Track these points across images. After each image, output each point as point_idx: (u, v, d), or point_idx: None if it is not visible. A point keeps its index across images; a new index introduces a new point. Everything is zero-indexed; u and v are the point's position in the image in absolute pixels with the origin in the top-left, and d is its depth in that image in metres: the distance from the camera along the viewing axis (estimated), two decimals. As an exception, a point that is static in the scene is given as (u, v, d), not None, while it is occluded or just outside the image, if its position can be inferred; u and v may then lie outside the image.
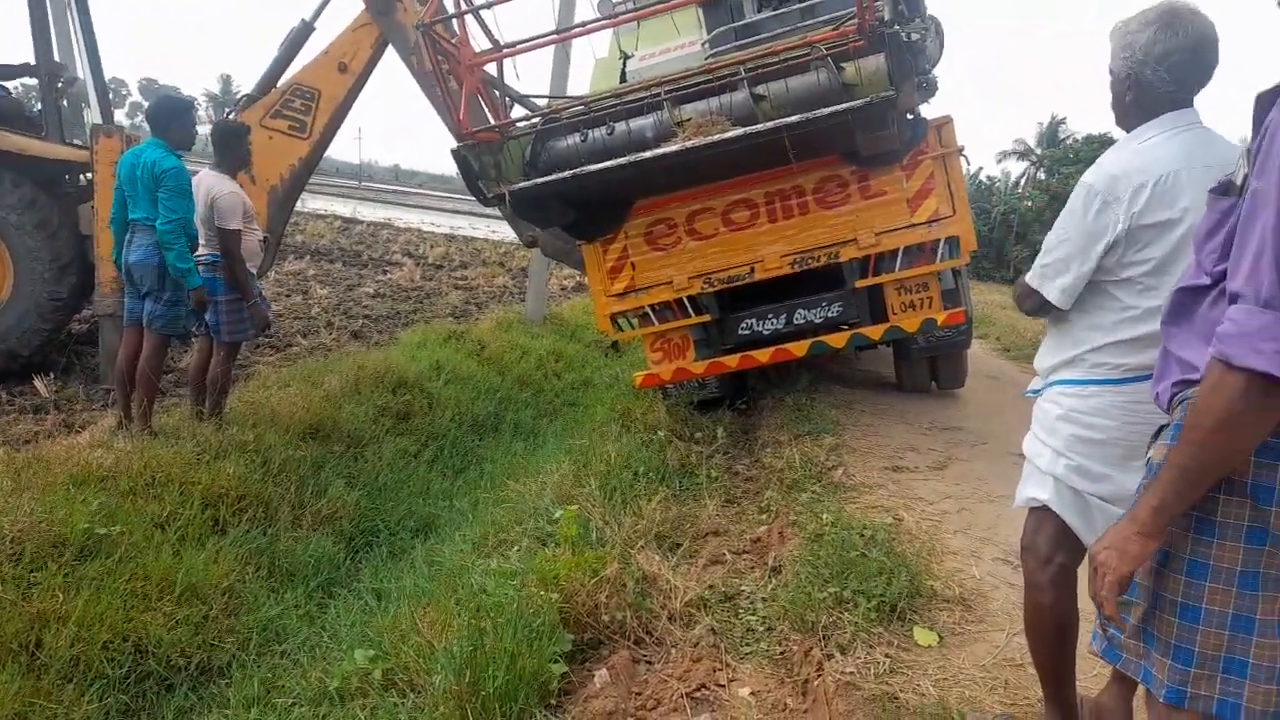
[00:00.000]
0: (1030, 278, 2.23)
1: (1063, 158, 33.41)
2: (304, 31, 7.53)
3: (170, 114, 5.06)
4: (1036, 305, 2.23)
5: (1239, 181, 1.40)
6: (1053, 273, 2.13)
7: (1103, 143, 28.62)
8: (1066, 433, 2.16)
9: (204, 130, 9.33)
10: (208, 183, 5.11)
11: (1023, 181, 37.40)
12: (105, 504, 4.02)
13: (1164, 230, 1.97)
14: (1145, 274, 2.01)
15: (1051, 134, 37.38)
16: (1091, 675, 2.61)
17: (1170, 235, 1.96)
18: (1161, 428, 1.61)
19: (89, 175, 7.33)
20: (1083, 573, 2.20)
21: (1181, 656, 1.47)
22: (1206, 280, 1.47)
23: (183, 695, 3.37)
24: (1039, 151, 37.17)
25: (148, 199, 4.83)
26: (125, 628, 3.38)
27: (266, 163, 7.15)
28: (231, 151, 5.35)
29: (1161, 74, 1.96)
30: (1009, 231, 31.10)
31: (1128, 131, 2.09)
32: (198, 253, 5.17)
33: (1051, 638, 2.22)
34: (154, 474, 4.41)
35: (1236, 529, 1.43)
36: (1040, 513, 2.25)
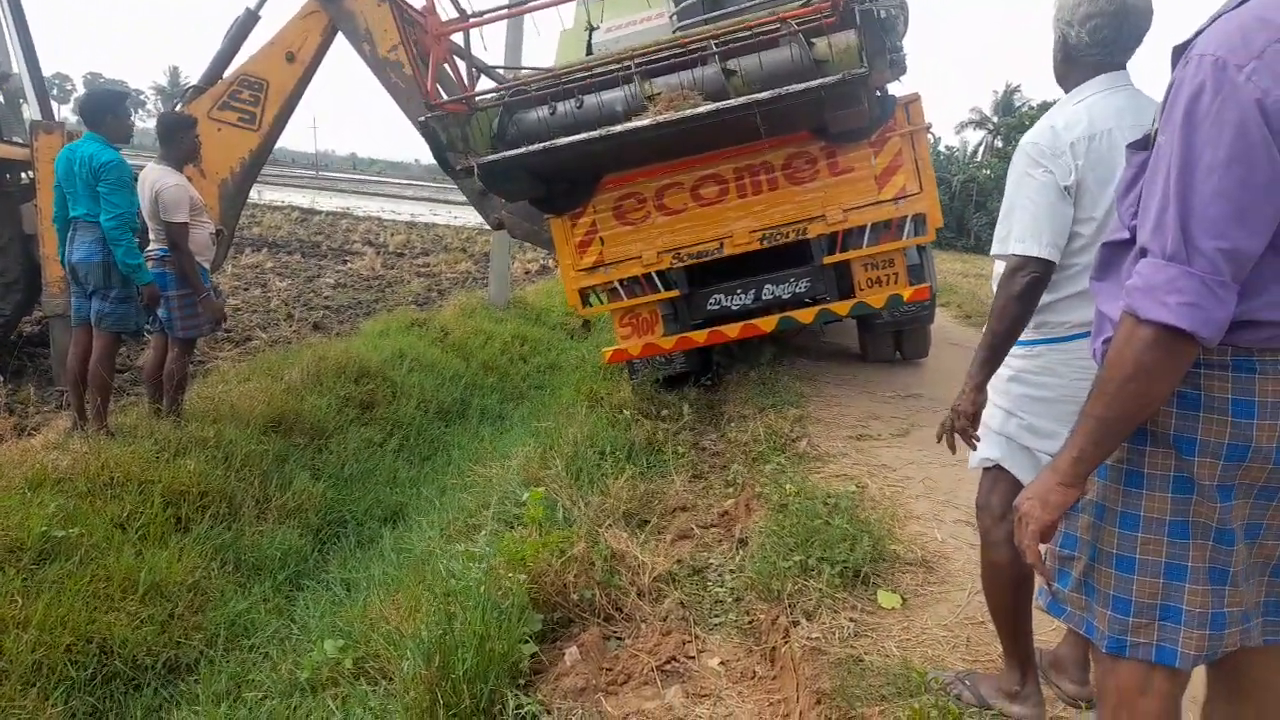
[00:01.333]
0: (1010, 249, 2.06)
1: (1019, 125, 33.78)
2: (249, 21, 7.35)
3: (103, 106, 4.92)
4: (1026, 283, 2.02)
5: (1154, 135, 1.42)
6: (1032, 232, 2.01)
7: (1057, 109, 29.00)
8: (1016, 393, 2.20)
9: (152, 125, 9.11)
10: (152, 177, 5.00)
11: (981, 150, 37.79)
12: (63, 506, 3.95)
13: (1105, 186, 2.00)
14: (1092, 232, 2.03)
15: (1007, 102, 37.79)
16: (1051, 629, 2.67)
17: (1109, 191, 1.98)
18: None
19: (30, 173, 7.14)
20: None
21: (1120, 607, 1.50)
22: (1127, 235, 1.49)
23: (151, 694, 3.34)
24: (995, 120, 37.55)
25: (87, 195, 4.73)
26: (88, 629, 3.34)
27: (216, 156, 7.00)
28: (177, 144, 5.23)
29: (1084, 36, 1.98)
30: (969, 200, 31.44)
31: (1066, 93, 2.12)
32: (148, 248, 5.07)
33: (1008, 594, 2.27)
34: (112, 474, 4.35)
35: (1163, 480, 1.47)
36: (994, 472, 2.30)
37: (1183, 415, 1.44)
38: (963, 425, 2.23)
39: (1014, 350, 2.21)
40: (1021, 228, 2.03)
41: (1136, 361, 1.34)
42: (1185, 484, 1.45)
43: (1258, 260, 1.32)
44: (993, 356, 2.14)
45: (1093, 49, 1.99)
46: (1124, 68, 2.04)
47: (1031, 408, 2.17)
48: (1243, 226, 1.28)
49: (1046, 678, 2.43)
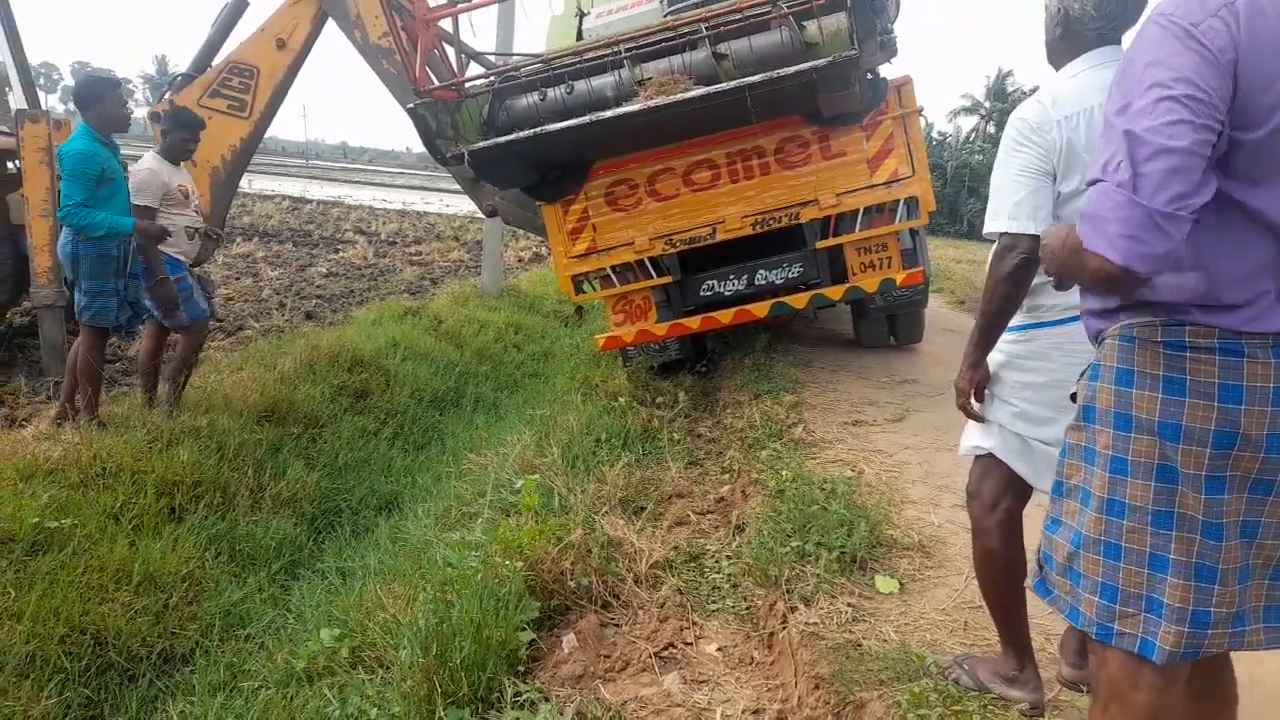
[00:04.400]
0: (1001, 226, 2.01)
1: (1011, 110, 33.76)
2: (238, 7, 7.28)
3: (88, 95, 4.86)
4: (1016, 263, 1.99)
5: None
6: (1021, 209, 1.98)
7: (1049, 94, 29.04)
8: (1009, 379, 2.18)
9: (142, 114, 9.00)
10: (136, 164, 4.97)
11: (973, 136, 37.75)
12: (55, 497, 3.93)
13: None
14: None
15: (999, 88, 37.71)
16: (1048, 614, 2.67)
17: None
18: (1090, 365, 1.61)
19: (17, 163, 7.06)
20: (1029, 515, 2.24)
21: (1107, 594, 1.48)
22: None
23: (146, 685, 3.33)
24: (988, 105, 37.47)
25: None
26: (82, 620, 3.33)
27: (206, 144, 6.87)
28: (165, 134, 5.20)
29: (1089, 9, 1.95)
30: (962, 186, 31.45)
31: (1057, 70, 2.09)
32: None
33: (1000, 580, 2.26)
34: (104, 464, 4.32)
35: (1147, 468, 1.44)
36: (985, 460, 2.27)
37: (1167, 401, 1.40)
38: (962, 403, 2.24)
39: (1006, 335, 2.20)
40: (1012, 205, 2.00)
41: (1078, 274, 1.42)
42: (1169, 473, 1.42)
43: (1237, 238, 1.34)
44: (986, 336, 2.14)
45: (1096, 22, 1.96)
46: (1119, 42, 2.02)
47: (1024, 393, 2.16)
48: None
49: (1045, 661, 2.43)
